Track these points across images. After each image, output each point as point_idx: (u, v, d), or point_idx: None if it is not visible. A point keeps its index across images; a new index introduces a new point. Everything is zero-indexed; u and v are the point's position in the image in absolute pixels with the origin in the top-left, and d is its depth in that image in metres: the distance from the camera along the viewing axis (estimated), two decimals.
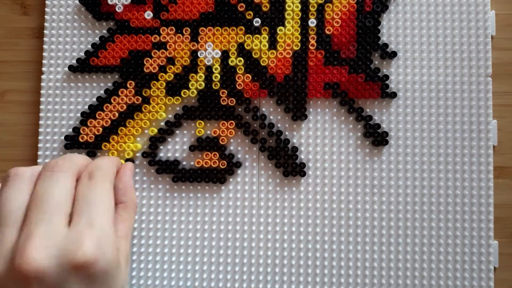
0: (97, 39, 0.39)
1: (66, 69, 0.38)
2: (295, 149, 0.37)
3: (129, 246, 0.27)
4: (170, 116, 0.38)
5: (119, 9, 0.38)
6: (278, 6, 0.37)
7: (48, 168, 0.25)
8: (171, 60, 0.38)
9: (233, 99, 0.37)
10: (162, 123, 0.38)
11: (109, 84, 0.38)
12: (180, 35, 0.38)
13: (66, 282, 0.22)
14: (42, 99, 0.38)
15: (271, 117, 0.38)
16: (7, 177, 0.25)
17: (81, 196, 0.24)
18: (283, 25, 0.37)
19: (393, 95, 0.37)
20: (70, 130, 0.38)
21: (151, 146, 0.38)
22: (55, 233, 0.22)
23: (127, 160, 0.37)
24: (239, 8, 0.38)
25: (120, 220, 0.27)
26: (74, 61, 0.38)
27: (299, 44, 0.37)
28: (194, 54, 0.38)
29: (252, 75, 0.37)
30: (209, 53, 0.38)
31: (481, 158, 0.36)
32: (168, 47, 0.38)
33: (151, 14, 0.38)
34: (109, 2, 0.38)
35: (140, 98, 0.38)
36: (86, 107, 0.38)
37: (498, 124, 0.37)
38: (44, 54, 0.39)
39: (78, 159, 0.27)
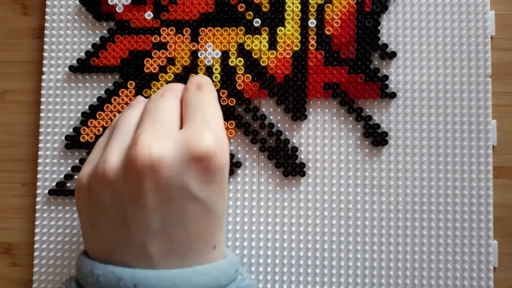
0: (97, 39, 0.39)
1: (67, 69, 0.38)
2: (295, 149, 0.37)
3: None
4: None
5: (119, 9, 0.38)
6: (278, 6, 0.37)
7: (158, 93, 0.25)
8: (171, 61, 0.38)
9: (233, 99, 0.37)
10: None
11: (110, 84, 0.38)
12: (180, 35, 0.38)
13: (185, 175, 0.21)
14: (42, 99, 0.38)
15: (271, 117, 0.38)
16: (130, 104, 0.26)
17: (192, 102, 0.24)
18: (283, 25, 0.37)
19: (393, 95, 0.37)
20: (71, 130, 0.38)
21: None
22: (169, 128, 0.22)
23: None
24: (239, 8, 0.38)
25: None
26: (74, 61, 0.39)
27: (299, 44, 0.37)
28: (194, 55, 0.38)
29: (252, 75, 0.37)
30: (209, 53, 0.38)
31: (481, 158, 0.36)
32: (168, 47, 0.38)
33: (151, 15, 0.38)
34: (110, 3, 0.38)
35: None
36: (87, 107, 0.38)
37: (498, 124, 0.37)
38: (45, 54, 0.39)
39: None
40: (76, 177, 0.38)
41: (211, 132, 0.22)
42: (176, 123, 0.23)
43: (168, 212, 0.21)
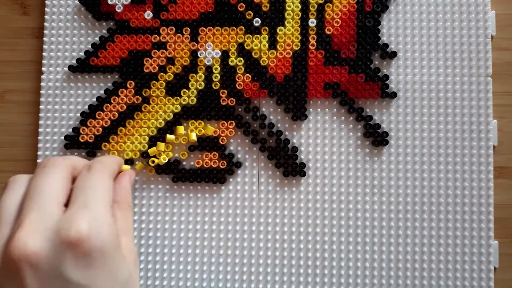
0: (97, 39, 0.39)
1: (66, 69, 0.38)
2: (295, 149, 0.37)
3: (133, 244, 0.26)
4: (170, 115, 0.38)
5: (119, 9, 0.38)
6: (278, 6, 0.37)
7: (41, 165, 0.25)
8: (171, 60, 0.38)
9: (233, 99, 0.37)
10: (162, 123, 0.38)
11: (109, 84, 0.38)
12: (180, 35, 0.38)
13: (61, 265, 0.20)
14: (42, 99, 0.38)
15: (271, 117, 0.38)
16: (5, 185, 0.24)
17: (78, 185, 0.24)
18: (283, 25, 0.37)
19: (393, 95, 0.37)
20: (70, 130, 0.38)
21: (151, 146, 0.38)
22: (47, 218, 0.22)
23: (126, 160, 0.37)
24: (239, 8, 0.38)
25: (116, 219, 0.27)
26: (74, 61, 0.38)
27: (299, 44, 0.37)
28: (194, 54, 0.38)
29: (252, 75, 0.37)
30: (209, 53, 0.38)
31: (481, 158, 0.36)
32: (168, 47, 0.38)
33: (151, 14, 0.38)
34: (109, 2, 0.38)
35: (140, 98, 0.38)
36: (86, 107, 0.38)
37: (498, 124, 0.37)
38: (44, 54, 0.39)
39: (73, 157, 0.27)
40: None
41: (86, 216, 0.22)
42: (58, 204, 0.23)
43: None
